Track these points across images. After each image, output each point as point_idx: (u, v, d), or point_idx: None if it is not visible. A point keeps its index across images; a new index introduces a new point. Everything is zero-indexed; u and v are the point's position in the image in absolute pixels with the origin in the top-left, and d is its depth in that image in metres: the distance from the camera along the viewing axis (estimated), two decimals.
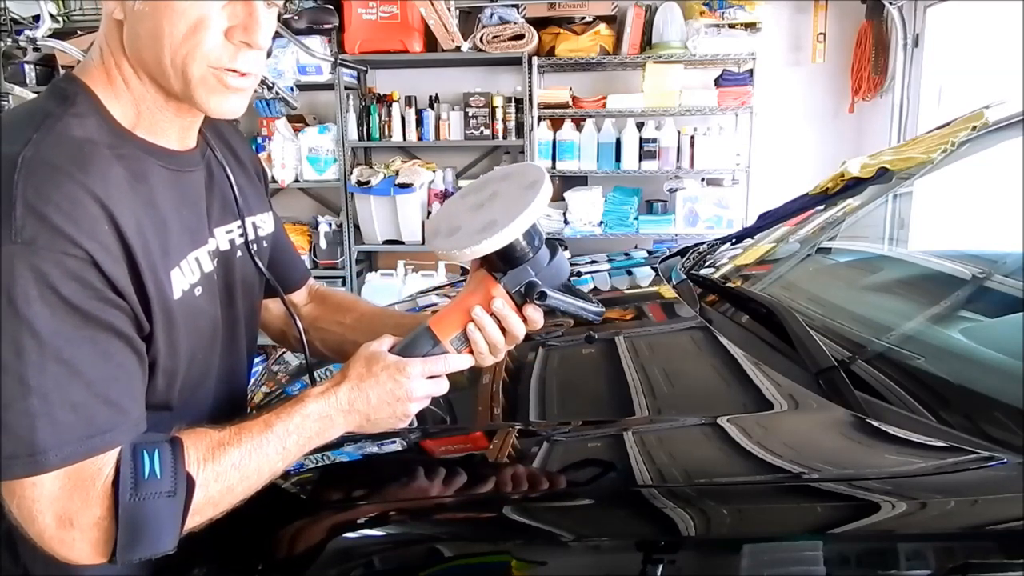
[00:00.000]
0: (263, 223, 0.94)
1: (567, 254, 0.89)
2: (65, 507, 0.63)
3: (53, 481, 0.62)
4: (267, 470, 0.73)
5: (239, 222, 0.88)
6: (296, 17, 3.44)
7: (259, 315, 0.99)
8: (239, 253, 0.88)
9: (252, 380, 1.41)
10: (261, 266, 0.91)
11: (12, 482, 0.62)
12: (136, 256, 0.68)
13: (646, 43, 3.76)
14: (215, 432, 0.71)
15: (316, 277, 1.15)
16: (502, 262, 0.82)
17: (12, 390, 0.61)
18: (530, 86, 3.69)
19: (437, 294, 1.84)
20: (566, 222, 3.81)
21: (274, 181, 3.86)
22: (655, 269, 1.71)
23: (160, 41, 0.69)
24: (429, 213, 3.87)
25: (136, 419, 0.68)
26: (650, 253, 2.05)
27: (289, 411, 0.76)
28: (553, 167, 3.80)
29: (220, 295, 0.85)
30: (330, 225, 4.02)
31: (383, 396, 0.79)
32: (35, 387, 0.61)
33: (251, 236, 0.90)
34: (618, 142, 3.78)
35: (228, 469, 0.70)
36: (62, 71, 2.92)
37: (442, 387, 0.83)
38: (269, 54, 3.51)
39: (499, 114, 3.80)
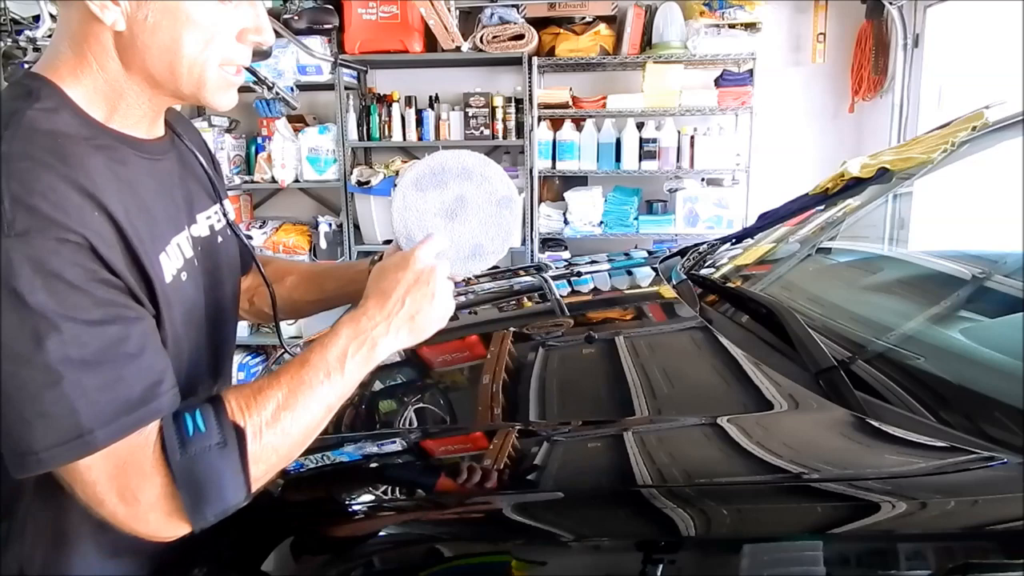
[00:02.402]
0: (228, 208, 0.96)
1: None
2: (125, 483, 0.63)
3: (105, 459, 0.62)
4: (316, 406, 0.72)
5: (216, 206, 0.90)
6: (296, 17, 3.44)
7: (239, 302, 1.00)
8: (219, 239, 0.90)
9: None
10: (243, 239, 0.96)
11: (69, 470, 0.62)
12: (131, 240, 0.68)
13: (646, 43, 3.75)
14: (251, 383, 0.72)
15: None
16: None
17: (41, 380, 0.60)
18: (530, 86, 3.68)
19: None
20: (566, 222, 3.80)
21: (274, 181, 3.86)
22: (655, 269, 1.71)
23: (178, 52, 0.71)
24: None
25: (169, 387, 0.68)
26: (650, 253, 2.05)
27: (324, 342, 0.75)
28: (553, 167, 3.80)
29: (203, 281, 0.85)
30: (330, 225, 4.01)
31: (418, 299, 0.80)
32: (64, 372, 0.61)
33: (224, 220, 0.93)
34: (618, 142, 3.78)
35: (274, 410, 0.69)
36: None
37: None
38: (269, 54, 3.52)
39: (499, 114, 3.79)
